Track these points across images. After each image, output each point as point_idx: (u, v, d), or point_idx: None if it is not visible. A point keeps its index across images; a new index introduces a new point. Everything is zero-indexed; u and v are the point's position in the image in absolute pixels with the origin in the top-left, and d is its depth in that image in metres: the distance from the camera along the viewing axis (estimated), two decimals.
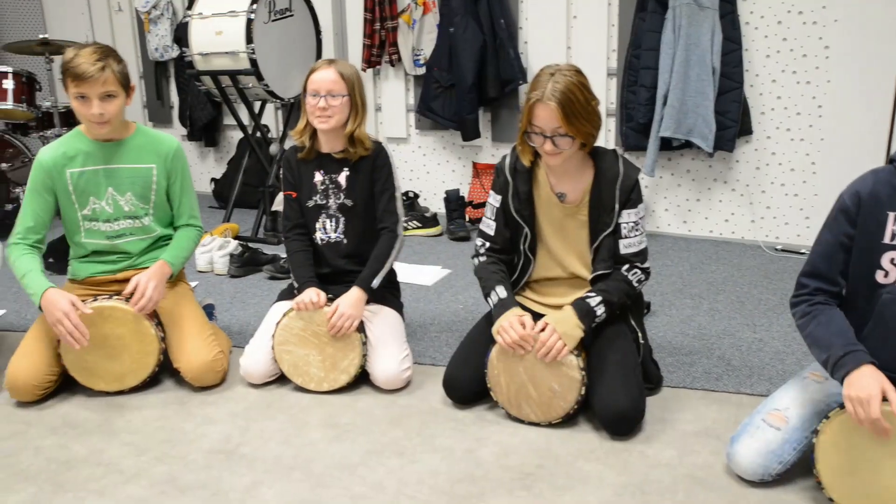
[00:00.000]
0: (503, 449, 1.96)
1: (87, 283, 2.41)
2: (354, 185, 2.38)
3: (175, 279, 2.42)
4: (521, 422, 2.08)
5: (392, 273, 2.48)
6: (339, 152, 2.37)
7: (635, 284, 2.10)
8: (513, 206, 2.15)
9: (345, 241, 2.42)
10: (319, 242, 2.43)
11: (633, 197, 2.07)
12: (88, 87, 2.15)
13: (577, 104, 1.93)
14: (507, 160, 2.17)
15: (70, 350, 2.23)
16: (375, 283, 2.33)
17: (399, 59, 4.45)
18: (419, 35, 4.32)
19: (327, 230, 2.42)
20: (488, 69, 4.08)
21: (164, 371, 2.39)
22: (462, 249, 3.90)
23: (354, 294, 2.28)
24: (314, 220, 2.43)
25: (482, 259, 2.24)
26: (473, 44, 4.04)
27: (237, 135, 5.17)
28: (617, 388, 1.97)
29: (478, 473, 1.86)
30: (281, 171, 2.50)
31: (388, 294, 2.44)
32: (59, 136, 4.46)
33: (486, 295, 2.15)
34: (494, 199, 2.20)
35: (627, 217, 2.08)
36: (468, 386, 2.16)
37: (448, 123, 4.29)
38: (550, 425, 2.05)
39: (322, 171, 2.40)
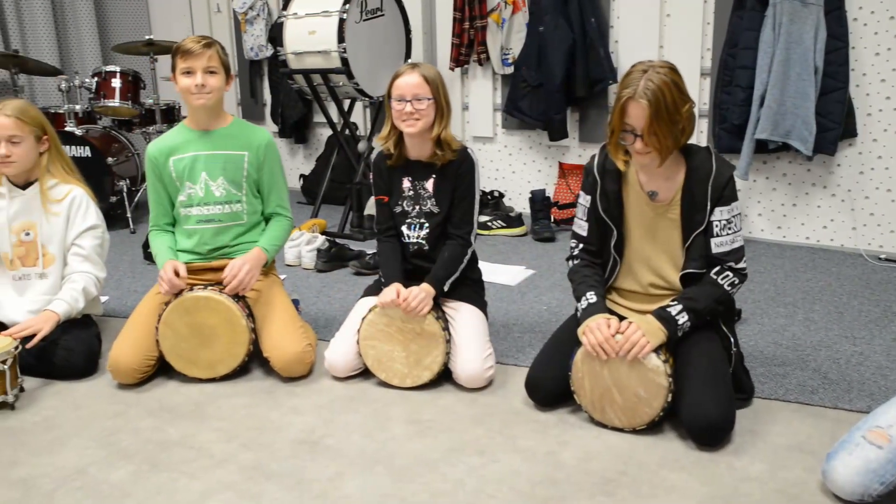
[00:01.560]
0: (585, 453, 1.94)
1: None
2: (441, 192, 2.39)
3: (266, 271, 2.50)
4: (605, 426, 2.04)
5: (477, 272, 2.48)
6: (426, 157, 2.38)
7: (727, 288, 2.03)
8: (601, 205, 2.12)
9: (426, 246, 2.43)
10: (405, 243, 2.46)
11: (726, 194, 2.00)
12: (194, 60, 2.34)
13: (669, 103, 1.88)
14: (596, 159, 2.14)
15: (167, 337, 2.33)
16: (446, 286, 2.34)
17: (487, 59, 4.45)
18: (508, 34, 4.31)
19: (412, 235, 2.44)
20: (577, 68, 4.04)
21: (254, 361, 2.46)
22: (546, 250, 3.87)
23: (424, 288, 2.28)
24: (401, 223, 2.45)
25: (576, 262, 2.21)
26: (563, 43, 4.00)
27: (326, 132, 5.28)
28: (706, 396, 1.91)
29: (559, 476, 1.84)
30: (371, 177, 2.53)
31: (473, 293, 2.44)
32: (160, 132, 4.69)
33: (577, 299, 2.12)
34: (584, 200, 2.18)
35: (720, 215, 2.01)
36: (551, 387, 2.14)
37: (535, 123, 4.26)
38: (634, 431, 2.01)
39: (410, 178, 2.42)
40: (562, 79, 4.03)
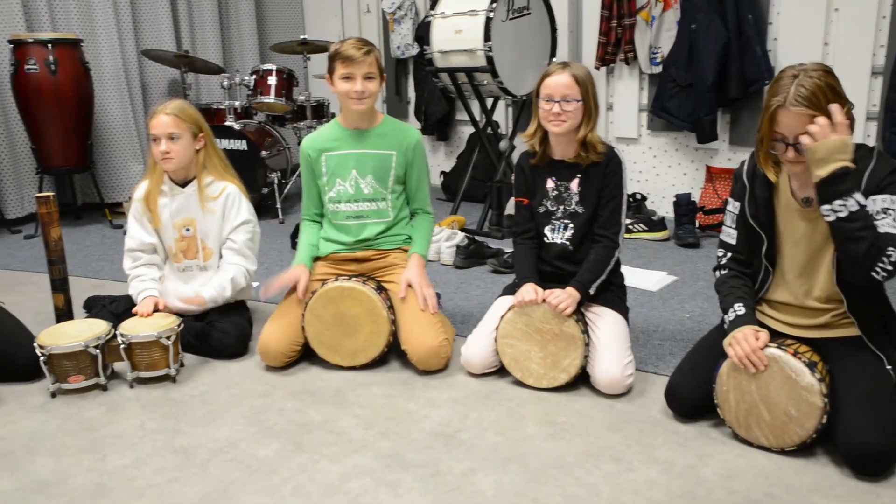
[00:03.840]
0: (728, 470, 1.85)
1: (329, 260, 2.63)
2: (586, 193, 2.35)
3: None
4: (750, 444, 1.94)
5: (619, 276, 2.43)
6: (571, 157, 2.35)
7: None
8: (749, 212, 2.01)
9: (570, 247, 2.39)
10: (547, 244, 2.44)
11: (883, 185, 1.79)
12: (355, 67, 2.41)
13: (824, 109, 1.75)
14: (746, 165, 2.03)
15: (312, 325, 2.44)
16: (592, 290, 2.30)
17: (634, 58, 4.34)
18: (657, 32, 4.18)
19: (555, 235, 2.41)
20: (731, 68, 3.86)
21: (392, 352, 2.53)
22: (690, 256, 3.73)
23: (569, 291, 2.26)
24: (544, 224, 2.43)
25: (724, 272, 2.11)
26: (716, 41, 3.83)
27: (468, 130, 5.33)
28: (866, 420, 1.77)
29: (699, 492, 1.77)
30: (513, 177, 2.53)
31: (615, 297, 2.38)
32: (310, 127, 4.91)
33: (725, 311, 2.03)
34: (733, 207, 2.07)
35: (873, 205, 1.77)
36: (692, 399, 2.06)
37: (683, 124, 4.11)
38: (783, 452, 1.90)
39: (554, 178, 2.39)
40: (714, 79, 3.87)
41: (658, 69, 4.22)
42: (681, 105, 4.08)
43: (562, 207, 2.39)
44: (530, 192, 2.46)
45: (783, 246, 2.00)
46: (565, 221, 2.39)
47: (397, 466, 1.91)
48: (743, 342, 1.89)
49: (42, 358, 2.30)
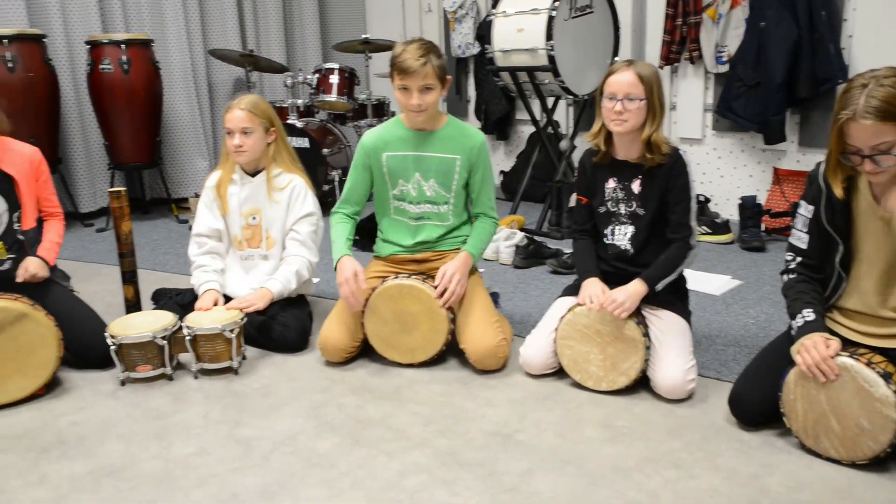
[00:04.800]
0: (795, 481, 1.80)
1: (388, 261, 2.64)
2: (648, 194, 2.31)
3: None
4: (818, 455, 1.88)
5: (682, 279, 2.38)
6: (634, 158, 2.31)
7: None
8: (825, 216, 1.94)
9: (631, 249, 2.36)
10: (606, 245, 2.41)
11: None
12: (411, 79, 2.35)
13: None
14: (822, 167, 1.95)
15: (372, 321, 2.46)
16: (660, 286, 2.26)
17: (699, 56, 4.25)
18: (724, 30, 4.09)
19: (615, 237, 2.38)
20: (801, 66, 3.75)
21: (450, 351, 2.53)
22: (755, 260, 3.63)
23: (634, 286, 2.22)
24: (604, 225, 2.40)
25: (792, 276, 2.04)
26: (786, 39, 3.73)
27: (528, 129, 5.31)
28: None
29: (763, 503, 1.72)
30: (575, 174, 2.50)
31: (677, 300, 2.34)
32: (370, 125, 4.94)
33: (792, 317, 1.96)
34: (806, 210, 2.01)
35: None
36: (757, 406, 2.01)
37: (749, 125, 4.01)
38: (854, 465, 1.83)
39: (615, 178, 2.36)
40: (783, 78, 3.76)
41: (724, 68, 4.13)
42: (747, 105, 3.98)
43: (622, 208, 2.36)
44: (591, 192, 2.43)
45: (860, 252, 1.93)
46: (625, 223, 2.36)
47: (454, 464, 1.91)
48: (812, 350, 1.83)
49: (112, 347, 2.38)
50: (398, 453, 1.97)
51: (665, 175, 2.28)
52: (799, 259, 2.03)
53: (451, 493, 1.79)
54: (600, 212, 2.40)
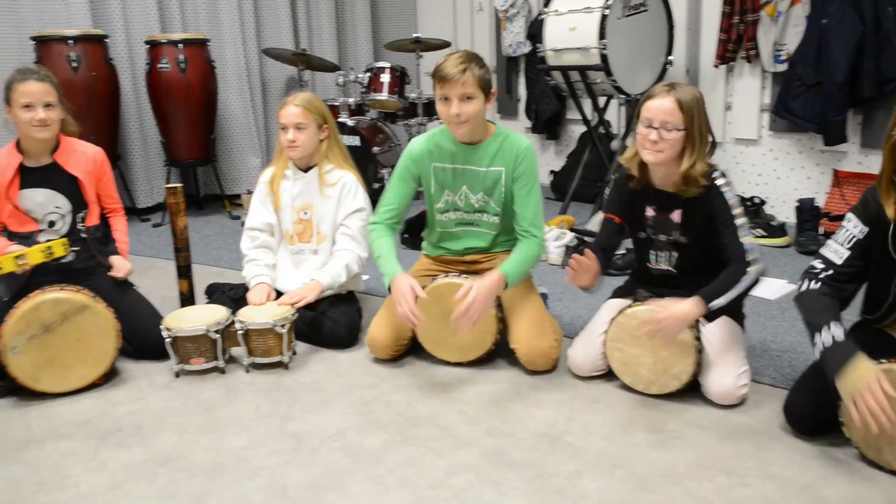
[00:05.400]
0: (853, 494, 1.74)
1: (436, 261, 2.65)
2: (689, 223, 2.22)
3: None
4: (880, 468, 1.82)
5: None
6: (671, 188, 2.21)
7: None
8: (891, 245, 1.82)
9: (676, 272, 2.31)
10: (648, 268, 2.36)
11: None
12: (450, 88, 2.27)
13: None
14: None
15: (420, 319, 2.46)
16: (715, 305, 2.12)
17: (756, 55, 4.16)
18: (783, 28, 3.99)
19: (659, 262, 2.33)
20: (865, 65, 3.63)
21: (500, 350, 2.52)
22: None
23: (688, 305, 2.09)
24: (645, 250, 2.35)
25: (815, 287, 1.92)
26: (850, 36, 3.62)
27: (579, 129, 5.26)
28: None
29: None
30: (607, 191, 2.42)
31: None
32: (421, 124, 4.97)
33: (815, 330, 1.83)
34: (856, 228, 1.89)
35: None
36: (814, 415, 1.95)
37: (808, 125, 3.91)
38: None
39: (654, 207, 2.28)
40: (845, 77, 3.65)
41: (783, 67, 4.03)
42: (807, 105, 3.87)
43: (663, 236, 2.30)
44: (624, 213, 2.35)
45: None
46: (669, 250, 2.30)
47: (502, 464, 1.90)
48: (869, 399, 1.68)
49: (168, 340, 2.43)
50: (445, 452, 1.97)
51: (705, 203, 2.18)
52: (830, 272, 1.92)
53: (498, 492, 1.79)
54: (640, 237, 2.35)
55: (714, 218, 2.17)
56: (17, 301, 2.32)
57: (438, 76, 2.29)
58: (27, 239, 2.46)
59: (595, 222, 2.40)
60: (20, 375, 2.28)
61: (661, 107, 2.10)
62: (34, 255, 2.31)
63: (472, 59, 2.30)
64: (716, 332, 2.20)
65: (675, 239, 2.27)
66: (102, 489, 1.84)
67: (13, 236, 2.48)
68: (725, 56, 4.26)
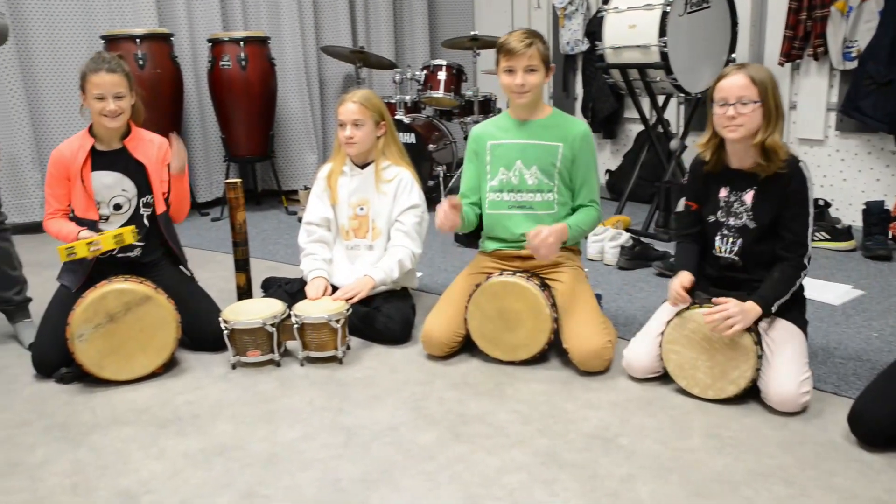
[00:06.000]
0: None
1: (493, 256, 2.64)
2: (761, 207, 2.19)
3: (572, 264, 2.53)
4: None
5: (800, 287, 2.26)
6: (748, 167, 2.20)
7: None
8: None
9: (739, 262, 2.26)
10: (713, 254, 2.32)
11: None
12: (516, 60, 2.40)
13: None
14: None
15: (475, 317, 2.47)
16: (774, 308, 2.14)
17: (825, 52, 4.03)
18: (854, 24, 3.86)
19: (723, 248, 2.28)
20: None
21: (553, 350, 2.51)
22: (880, 269, 3.42)
23: (748, 306, 2.10)
24: (713, 235, 2.31)
25: None
26: None
27: (636, 128, 5.19)
28: None
29: None
30: (685, 177, 2.43)
31: (794, 309, 2.22)
32: (476, 122, 4.96)
33: None
34: None
35: None
36: (882, 426, 1.88)
37: (878, 125, 3.78)
38: None
39: (728, 188, 2.26)
40: None
41: (852, 65, 3.90)
42: (877, 104, 3.74)
43: (732, 220, 2.26)
44: (700, 199, 2.34)
45: None
46: (736, 235, 2.26)
47: (554, 465, 1.89)
48: None
49: (225, 332, 2.49)
50: (497, 450, 1.97)
51: (782, 187, 2.15)
52: None
53: (549, 493, 1.77)
54: (709, 221, 2.31)
55: (787, 204, 2.16)
56: (84, 291, 2.40)
57: (505, 50, 2.43)
58: (91, 227, 2.54)
59: (681, 206, 2.44)
60: (86, 362, 2.36)
61: (735, 83, 2.12)
62: (106, 241, 2.41)
63: (536, 34, 2.45)
64: (777, 338, 2.14)
65: (743, 223, 2.24)
66: (162, 476, 1.89)
67: (79, 223, 2.56)
68: (791, 53, 4.14)
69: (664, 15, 3.74)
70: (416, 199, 2.83)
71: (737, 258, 2.26)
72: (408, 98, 5.10)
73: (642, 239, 3.64)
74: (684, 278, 2.27)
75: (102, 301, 2.35)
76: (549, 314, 2.39)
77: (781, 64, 4.19)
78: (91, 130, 2.59)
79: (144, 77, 4.44)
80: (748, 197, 2.22)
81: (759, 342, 2.12)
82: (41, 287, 3.07)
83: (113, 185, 2.58)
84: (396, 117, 4.85)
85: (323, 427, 2.11)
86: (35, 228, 4.42)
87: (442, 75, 4.98)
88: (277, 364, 2.54)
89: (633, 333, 2.42)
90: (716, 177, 2.29)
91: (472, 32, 4.94)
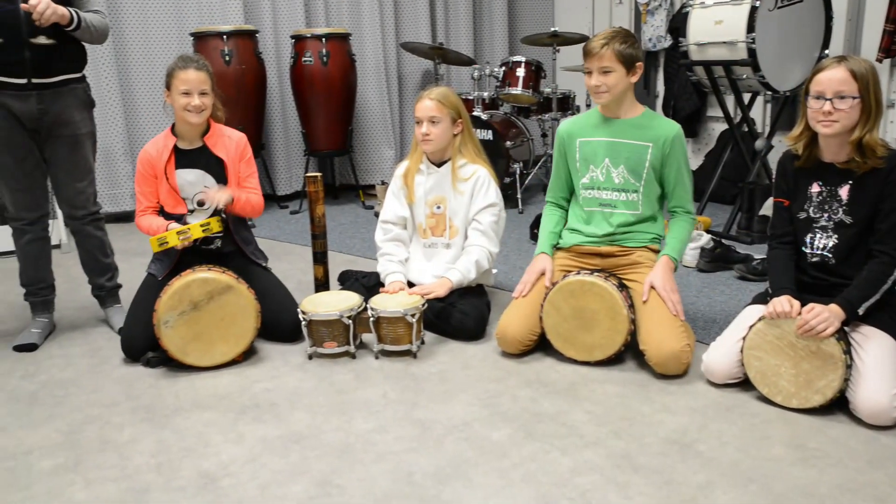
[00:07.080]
0: None
1: (572, 252, 2.62)
2: (858, 202, 2.10)
3: (652, 264, 2.49)
4: None
5: (893, 294, 2.15)
6: (842, 162, 2.12)
7: None
8: None
9: (833, 261, 2.17)
10: (805, 253, 2.23)
11: None
12: (591, 61, 2.41)
13: None
14: None
15: (551, 316, 2.45)
16: (861, 310, 2.06)
17: None
18: None
19: (816, 246, 2.20)
20: None
21: (629, 351, 2.46)
22: None
23: (832, 309, 2.03)
24: (804, 232, 2.23)
25: None
26: None
27: (719, 127, 5.04)
28: None
29: None
30: (774, 177, 2.34)
31: (888, 317, 2.11)
32: (554, 119, 4.93)
33: None
34: None
35: None
36: None
37: None
38: None
39: (821, 182, 2.17)
40: None
41: None
42: None
43: (826, 215, 2.17)
44: (791, 195, 2.26)
45: None
46: (829, 232, 2.17)
47: (629, 468, 1.86)
48: None
49: (303, 323, 2.54)
50: (571, 450, 1.95)
51: (881, 181, 2.07)
52: None
53: (623, 496, 1.74)
54: (800, 217, 2.22)
55: (885, 200, 2.07)
56: (170, 279, 2.49)
57: (584, 50, 2.45)
58: (179, 220, 2.64)
59: (768, 206, 2.36)
60: (171, 348, 2.45)
61: (834, 77, 2.05)
62: (195, 230, 2.54)
63: (617, 35, 2.41)
64: (868, 347, 2.05)
65: (839, 219, 2.15)
66: (240, 460, 1.95)
67: (167, 217, 2.67)
68: (891, 49, 3.95)
69: (753, 10, 3.61)
70: (493, 198, 2.82)
71: (829, 255, 2.17)
72: (486, 94, 5.10)
73: (723, 241, 3.53)
74: (784, 302, 2.11)
75: (187, 289, 2.43)
76: (626, 315, 2.35)
77: (880, 60, 4.00)
78: (173, 129, 2.69)
79: (229, 72, 4.57)
80: (843, 191, 2.13)
81: (847, 351, 2.03)
82: (131, 273, 3.21)
83: (196, 182, 2.67)
84: (474, 114, 4.85)
85: (396, 420, 2.13)
86: (126, 218, 4.63)
87: (521, 72, 4.95)
88: (353, 356, 2.57)
89: (713, 337, 2.36)
90: (807, 172, 2.20)
91: (552, 29, 4.90)
